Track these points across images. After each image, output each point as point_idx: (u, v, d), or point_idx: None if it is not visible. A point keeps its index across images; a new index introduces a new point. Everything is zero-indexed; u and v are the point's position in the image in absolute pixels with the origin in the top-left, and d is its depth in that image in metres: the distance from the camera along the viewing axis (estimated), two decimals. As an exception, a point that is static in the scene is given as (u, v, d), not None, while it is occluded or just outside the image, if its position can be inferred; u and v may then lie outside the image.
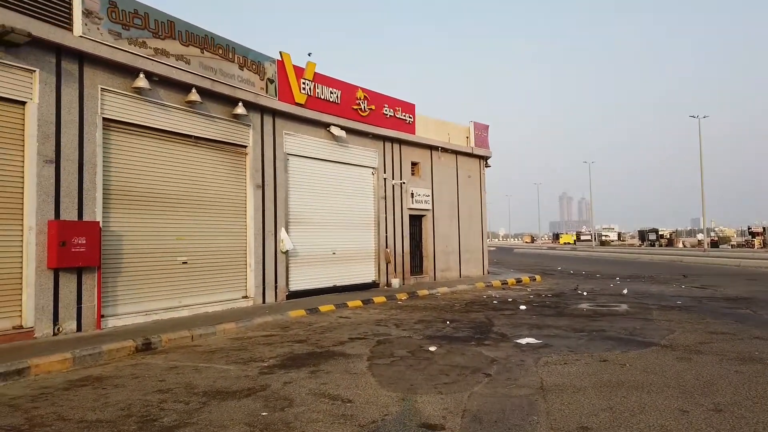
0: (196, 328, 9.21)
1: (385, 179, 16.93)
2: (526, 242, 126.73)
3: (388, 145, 17.16)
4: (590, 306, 12.37)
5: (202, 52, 11.39)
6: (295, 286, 13.81)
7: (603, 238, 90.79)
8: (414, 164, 18.36)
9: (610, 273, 23.69)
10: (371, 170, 16.63)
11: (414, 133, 17.98)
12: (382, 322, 10.51)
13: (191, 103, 11.17)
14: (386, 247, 16.80)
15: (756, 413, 4.74)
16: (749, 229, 60.13)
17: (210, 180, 11.96)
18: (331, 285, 14.93)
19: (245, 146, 12.78)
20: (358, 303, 13.01)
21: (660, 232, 73.22)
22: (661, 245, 66.96)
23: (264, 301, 12.82)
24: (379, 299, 13.70)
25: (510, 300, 13.83)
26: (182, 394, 5.67)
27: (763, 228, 57.07)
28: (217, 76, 11.75)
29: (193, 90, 11.08)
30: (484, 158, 21.54)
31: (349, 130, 15.51)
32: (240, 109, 12.18)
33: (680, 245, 67.80)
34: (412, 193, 17.88)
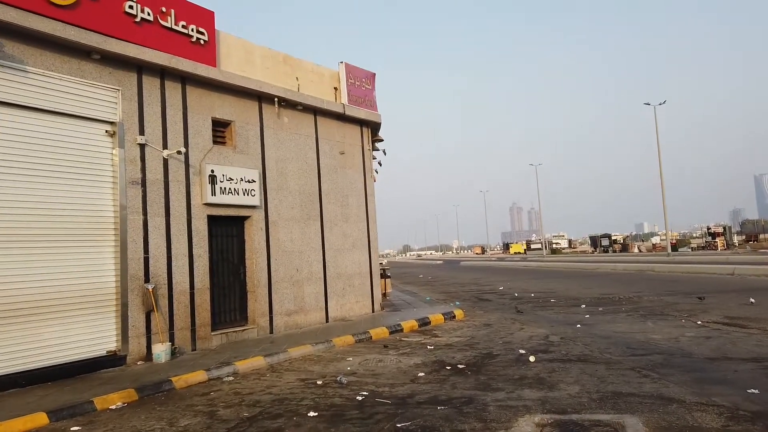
0: None
1: (142, 146, 8.66)
2: (477, 254, 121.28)
3: (151, 81, 8.91)
4: (546, 433, 4.45)
5: None
6: None
7: (554, 245, 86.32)
8: (222, 124, 10.18)
9: (570, 293, 16.19)
10: (105, 127, 8.32)
11: (213, 65, 9.81)
12: None
13: None
14: (147, 282, 8.46)
15: None
16: (708, 230, 54.93)
17: None
18: (-37, 378, 6.46)
19: None
20: None
21: (613, 237, 67.69)
22: (615, 251, 61.46)
23: None
24: None
25: (359, 399, 5.79)
26: None
27: (724, 228, 51.89)
28: None
29: None
30: (369, 125, 13.56)
31: (24, 36, 7.23)
32: None
33: (636, 250, 62.69)
34: (214, 176, 9.65)
